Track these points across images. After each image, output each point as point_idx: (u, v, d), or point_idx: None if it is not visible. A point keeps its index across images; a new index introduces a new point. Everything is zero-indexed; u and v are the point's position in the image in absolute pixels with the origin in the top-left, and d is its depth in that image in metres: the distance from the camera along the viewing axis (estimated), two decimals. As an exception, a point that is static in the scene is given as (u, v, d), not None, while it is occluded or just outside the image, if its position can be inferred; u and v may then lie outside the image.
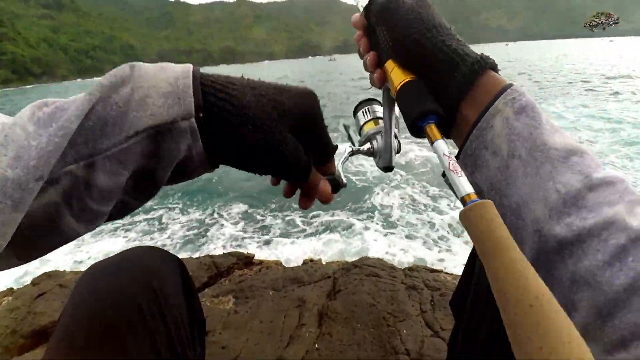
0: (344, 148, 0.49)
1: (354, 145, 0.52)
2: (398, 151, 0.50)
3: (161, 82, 0.28)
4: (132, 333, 0.39)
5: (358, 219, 4.65)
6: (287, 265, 1.78)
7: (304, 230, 4.56)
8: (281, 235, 4.50)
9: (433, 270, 1.60)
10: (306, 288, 1.47)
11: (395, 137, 0.48)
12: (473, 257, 0.54)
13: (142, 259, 0.46)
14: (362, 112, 0.54)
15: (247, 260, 1.83)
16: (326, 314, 1.28)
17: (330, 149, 0.38)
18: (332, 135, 0.39)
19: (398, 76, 0.38)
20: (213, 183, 6.45)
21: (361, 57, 0.45)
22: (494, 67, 0.36)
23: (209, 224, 5.01)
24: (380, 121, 0.51)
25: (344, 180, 0.42)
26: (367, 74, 0.45)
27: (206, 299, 1.43)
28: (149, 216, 5.42)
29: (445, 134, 0.37)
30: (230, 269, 1.72)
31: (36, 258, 0.29)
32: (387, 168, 0.50)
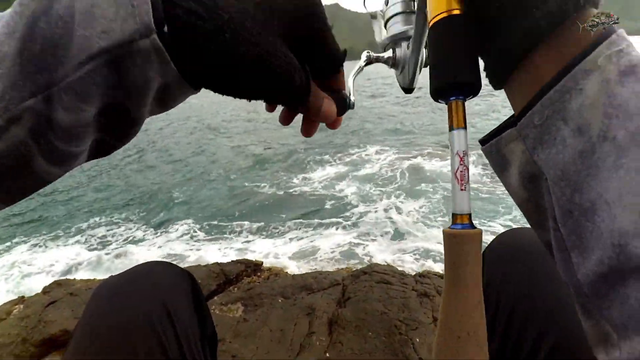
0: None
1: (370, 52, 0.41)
2: (425, 65, 0.39)
3: None
4: (144, 349, 0.39)
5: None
6: (295, 272, 1.77)
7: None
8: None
9: (444, 277, 1.58)
10: (315, 295, 1.45)
11: (426, 46, 0.37)
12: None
13: (153, 275, 0.46)
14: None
15: (256, 268, 1.82)
16: (336, 322, 1.26)
17: (339, 57, 0.30)
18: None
19: (437, 3, 0.26)
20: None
21: None
22: (595, 3, 0.23)
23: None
24: (413, 17, 0.38)
25: (353, 99, 0.34)
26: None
27: (215, 307, 1.42)
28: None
29: (496, 79, 0.27)
30: (238, 276, 1.71)
31: (17, 200, 0.25)
32: (408, 90, 0.42)
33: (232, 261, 1.85)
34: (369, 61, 0.41)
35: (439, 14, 0.26)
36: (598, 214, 0.21)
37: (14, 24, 0.20)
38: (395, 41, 0.40)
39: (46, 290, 1.67)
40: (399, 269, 1.63)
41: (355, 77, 0.37)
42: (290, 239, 4.39)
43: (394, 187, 5.73)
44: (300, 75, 0.27)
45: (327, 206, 5.40)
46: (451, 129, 0.26)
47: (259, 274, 1.79)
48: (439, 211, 4.68)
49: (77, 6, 0.21)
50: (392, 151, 7.74)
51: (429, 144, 7.73)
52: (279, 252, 4.10)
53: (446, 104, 0.27)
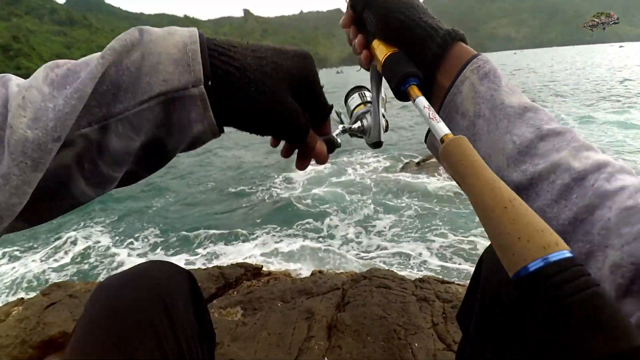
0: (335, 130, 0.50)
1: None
2: (386, 129, 0.53)
3: (171, 47, 0.28)
4: (144, 347, 0.39)
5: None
6: (295, 276, 1.76)
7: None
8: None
9: (444, 282, 1.57)
10: (315, 300, 1.45)
11: (383, 115, 0.52)
12: (478, 270, 0.52)
13: (154, 274, 0.47)
14: (352, 97, 0.58)
15: (256, 272, 1.82)
16: (335, 326, 1.26)
17: (327, 109, 0.39)
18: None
19: (382, 51, 0.42)
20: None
21: (350, 43, 0.49)
22: (463, 39, 0.40)
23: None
24: (369, 104, 0.55)
25: (339, 140, 0.45)
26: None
27: (214, 311, 1.42)
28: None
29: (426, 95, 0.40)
30: (238, 280, 1.71)
31: (44, 221, 0.30)
32: (377, 144, 0.52)
33: (231, 265, 1.85)
34: (344, 131, 0.52)
35: (385, 55, 0.42)
36: (488, 162, 0.29)
37: (96, 71, 0.26)
38: (359, 118, 0.54)
39: (45, 292, 1.67)
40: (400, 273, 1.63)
41: (341, 135, 0.50)
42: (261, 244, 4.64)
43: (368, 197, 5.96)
44: (303, 118, 0.35)
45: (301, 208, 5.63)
46: (414, 100, 0.37)
47: (258, 277, 1.79)
48: (412, 227, 4.78)
49: (145, 62, 0.28)
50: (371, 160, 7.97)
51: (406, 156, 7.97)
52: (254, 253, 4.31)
53: (406, 93, 0.39)
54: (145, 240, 5.30)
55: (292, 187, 6.94)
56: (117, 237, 5.48)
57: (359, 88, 0.58)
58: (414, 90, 0.38)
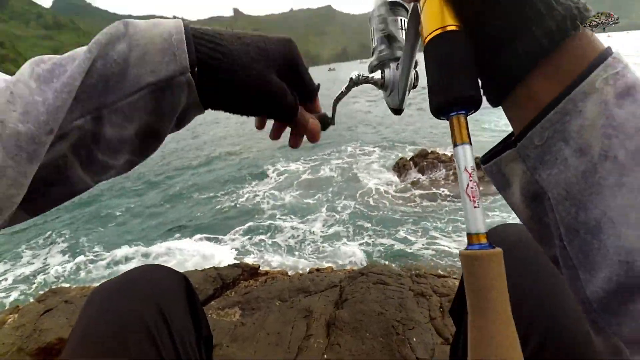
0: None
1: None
2: (414, 86, 0.40)
3: (156, 38, 0.29)
4: (140, 352, 0.39)
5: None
6: (292, 274, 1.77)
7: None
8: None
9: (441, 276, 1.59)
10: (313, 298, 1.45)
11: (415, 66, 0.37)
12: None
13: (148, 279, 0.47)
14: (382, 18, 0.39)
15: (253, 271, 1.82)
16: (334, 323, 1.27)
17: (313, 88, 0.39)
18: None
19: (434, 16, 0.26)
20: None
21: None
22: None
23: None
24: (398, 44, 0.39)
25: (331, 115, 0.41)
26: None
27: (212, 312, 1.42)
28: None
29: (494, 97, 0.28)
30: (235, 280, 1.70)
31: (43, 211, 0.30)
32: (397, 111, 0.41)
33: (229, 265, 1.85)
34: (357, 82, 0.41)
35: (434, 30, 0.26)
36: (604, 232, 0.22)
37: (84, 64, 0.26)
38: (383, 63, 0.40)
39: (41, 299, 1.65)
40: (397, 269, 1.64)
41: (338, 101, 0.42)
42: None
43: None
44: (291, 97, 0.35)
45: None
46: (455, 144, 0.25)
47: (256, 277, 1.79)
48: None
49: (132, 54, 0.28)
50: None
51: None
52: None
53: (447, 120, 0.26)
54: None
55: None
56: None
57: (395, 5, 0.40)
58: (461, 125, 0.25)
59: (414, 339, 1.16)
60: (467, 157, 0.24)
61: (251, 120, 0.40)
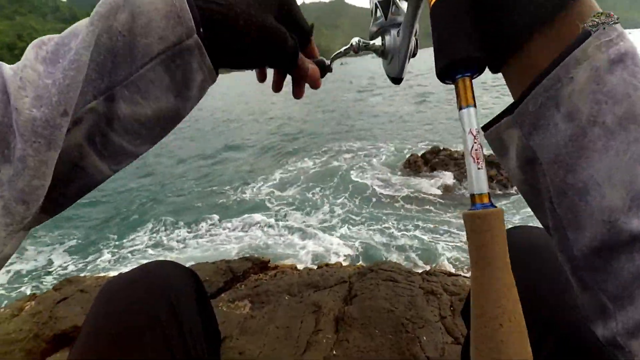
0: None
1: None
2: (414, 55, 0.39)
3: (158, 2, 0.28)
4: (150, 344, 0.40)
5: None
6: (301, 268, 1.77)
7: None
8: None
9: (451, 274, 1.57)
10: (322, 293, 1.45)
11: (415, 33, 0.37)
12: None
13: (159, 273, 0.47)
14: None
15: (263, 265, 1.83)
16: (342, 319, 1.26)
17: (308, 29, 0.38)
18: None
19: None
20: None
21: None
22: None
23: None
24: (397, 11, 0.39)
25: (330, 65, 0.40)
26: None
27: (222, 304, 1.43)
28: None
29: (494, 62, 0.28)
30: (246, 273, 1.72)
31: (62, 209, 0.29)
32: (397, 80, 0.40)
33: (239, 258, 1.86)
34: (358, 48, 0.40)
35: None
36: (590, 193, 0.23)
37: (88, 38, 0.25)
38: (384, 29, 0.40)
39: (57, 287, 1.70)
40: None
41: (335, 58, 0.41)
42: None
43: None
44: (291, 40, 0.34)
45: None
46: (460, 107, 0.25)
47: (266, 271, 1.80)
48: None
49: (136, 22, 0.27)
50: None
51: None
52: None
53: (453, 83, 0.26)
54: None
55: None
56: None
57: None
58: (466, 87, 0.25)
59: (424, 338, 1.15)
60: (471, 119, 0.25)
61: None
